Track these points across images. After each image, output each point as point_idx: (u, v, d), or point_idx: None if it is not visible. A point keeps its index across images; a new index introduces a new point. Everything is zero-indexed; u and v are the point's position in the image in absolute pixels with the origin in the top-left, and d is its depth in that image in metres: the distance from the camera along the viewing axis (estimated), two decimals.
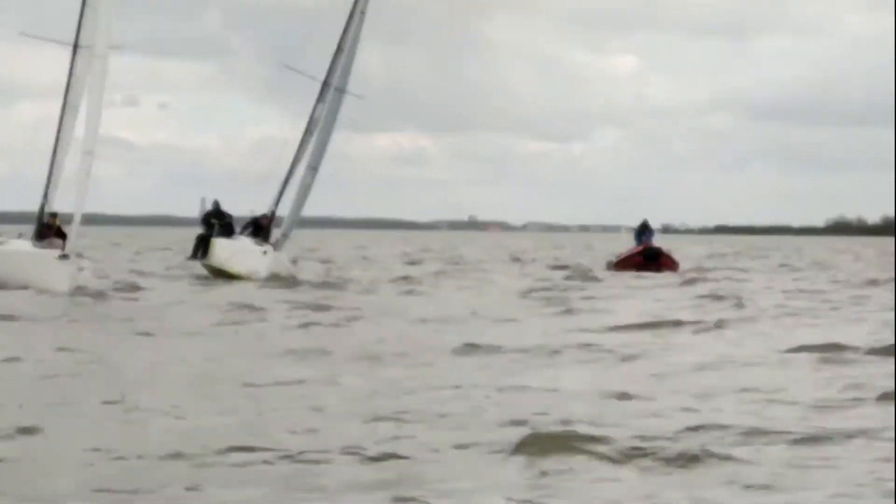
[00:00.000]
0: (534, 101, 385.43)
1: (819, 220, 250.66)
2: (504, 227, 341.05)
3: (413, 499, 8.33)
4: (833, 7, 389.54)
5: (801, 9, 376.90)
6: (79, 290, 29.97)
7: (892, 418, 11.58)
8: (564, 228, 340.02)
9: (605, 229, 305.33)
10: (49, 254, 31.64)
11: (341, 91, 39.46)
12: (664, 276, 43.48)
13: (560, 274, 47.18)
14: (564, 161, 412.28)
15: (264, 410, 11.98)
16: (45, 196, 34.88)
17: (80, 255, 32.42)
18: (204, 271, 39.54)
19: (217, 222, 39.42)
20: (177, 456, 9.61)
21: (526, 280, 41.65)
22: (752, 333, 21.02)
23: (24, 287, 30.00)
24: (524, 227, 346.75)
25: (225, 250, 38.26)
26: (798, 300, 30.62)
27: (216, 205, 40.59)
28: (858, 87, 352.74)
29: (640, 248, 50.13)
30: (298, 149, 40.05)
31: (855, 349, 17.60)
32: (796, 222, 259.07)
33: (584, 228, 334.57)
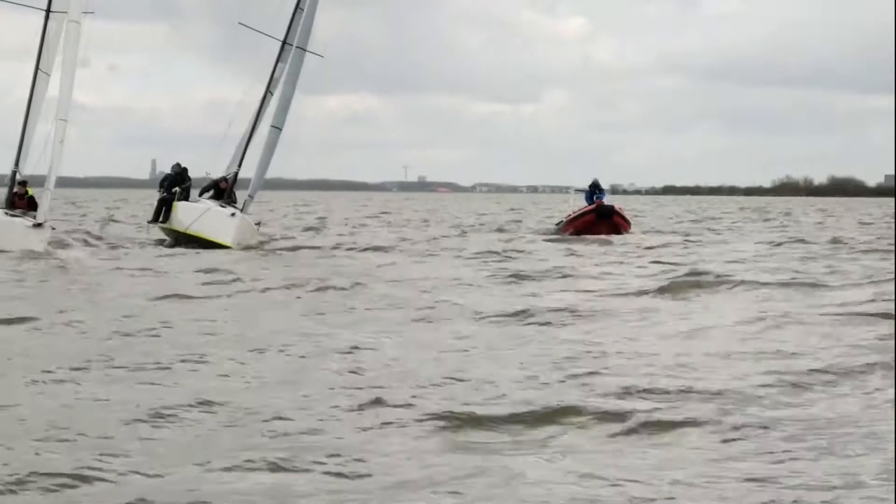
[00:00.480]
0: (484, 62, 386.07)
1: (766, 181, 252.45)
2: (453, 188, 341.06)
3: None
4: None
5: None
6: (51, 256, 29.41)
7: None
8: (513, 189, 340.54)
9: (554, 190, 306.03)
10: (22, 222, 31.22)
11: (302, 49, 38.60)
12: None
13: (512, 237, 47.00)
14: (514, 122, 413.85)
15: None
16: (17, 163, 33.96)
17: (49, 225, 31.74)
18: (164, 235, 38.50)
19: (179, 187, 38.41)
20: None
21: (475, 246, 41.62)
22: (709, 302, 20.84)
23: None
24: (473, 188, 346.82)
25: (189, 213, 37.15)
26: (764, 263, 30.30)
27: (178, 167, 39.40)
28: (805, 49, 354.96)
29: (593, 206, 48.64)
30: (259, 109, 39.29)
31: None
32: (743, 183, 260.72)
33: (534, 189, 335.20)
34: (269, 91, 39.25)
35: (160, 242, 37.78)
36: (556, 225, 51.84)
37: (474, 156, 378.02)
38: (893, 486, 8.22)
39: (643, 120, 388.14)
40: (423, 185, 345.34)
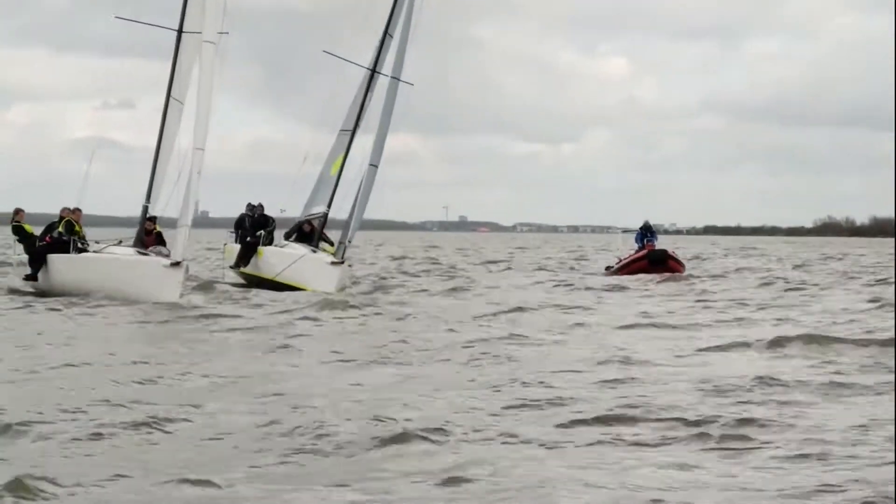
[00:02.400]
0: (525, 102, 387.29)
1: (807, 221, 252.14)
2: (494, 227, 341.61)
3: None
4: (823, 9, 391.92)
5: (791, 11, 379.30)
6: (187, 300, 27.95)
7: None
8: (554, 229, 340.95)
9: (595, 230, 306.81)
10: (157, 262, 28.64)
11: (396, 79, 35.61)
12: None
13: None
14: (555, 162, 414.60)
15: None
16: (148, 198, 31.29)
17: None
18: (241, 280, 35.55)
19: (263, 230, 35.33)
20: None
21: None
22: None
23: (130, 298, 27.45)
24: (514, 228, 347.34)
25: (280, 260, 34.24)
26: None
27: (259, 209, 36.49)
28: (848, 88, 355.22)
29: (644, 250, 46.90)
30: (350, 142, 36.58)
31: None
32: (785, 223, 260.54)
33: (574, 229, 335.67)
34: (357, 124, 36.68)
35: (243, 286, 34.52)
36: (607, 269, 49.61)
37: (515, 196, 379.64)
38: (894, 487, 8.73)
39: (684, 160, 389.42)
40: (463, 225, 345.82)
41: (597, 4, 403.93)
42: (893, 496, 8.57)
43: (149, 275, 28.30)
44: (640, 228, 48.41)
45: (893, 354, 16.24)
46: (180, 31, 31.17)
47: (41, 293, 30.04)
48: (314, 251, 34.78)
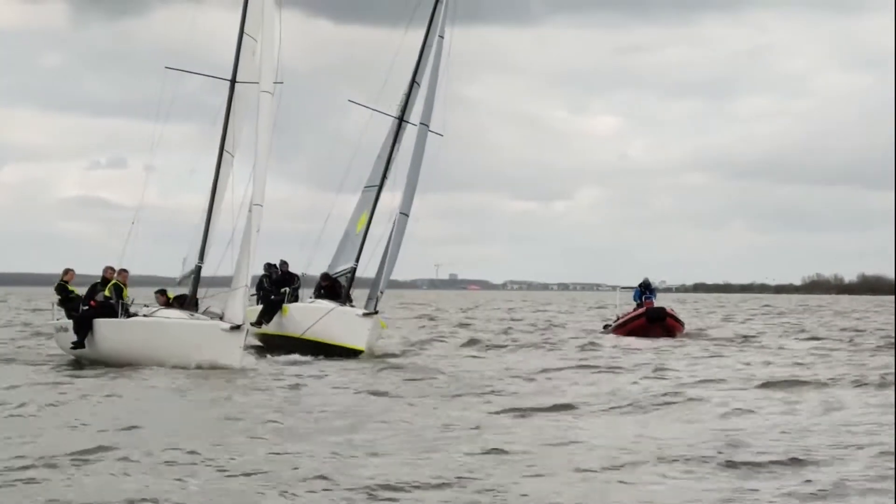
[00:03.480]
0: (516, 160, 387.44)
1: (796, 278, 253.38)
2: (484, 285, 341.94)
3: None
4: (811, 67, 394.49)
5: (779, 68, 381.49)
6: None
7: None
8: (544, 287, 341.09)
9: (585, 287, 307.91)
10: (215, 325, 26.69)
11: (426, 127, 34.66)
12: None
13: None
14: (546, 220, 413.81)
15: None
16: (201, 257, 29.45)
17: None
18: (258, 342, 34.42)
19: (289, 287, 34.39)
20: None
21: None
22: None
23: (188, 365, 25.88)
24: (504, 286, 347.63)
25: (306, 316, 32.81)
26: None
27: (284, 266, 35.50)
28: (836, 146, 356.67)
29: (642, 308, 45.59)
30: (378, 192, 36.15)
31: None
32: (773, 280, 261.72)
33: (564, 287, 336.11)
34: (385, 176, 36.25)
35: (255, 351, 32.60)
36: (605, 329, 48.95)
37: (505, 253, 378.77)
38: (894, 486, 9.11)
39: (675, 217, 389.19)
40: (454, 283, 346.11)
41: (586, 64, 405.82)
42: (894, 494, 8.88)
43: (208, 339, 26.46)
44: (639, 286, 47.40)
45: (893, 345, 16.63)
46: (233, 82, 29.67)
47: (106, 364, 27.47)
48: (342, 304, 33.47)
